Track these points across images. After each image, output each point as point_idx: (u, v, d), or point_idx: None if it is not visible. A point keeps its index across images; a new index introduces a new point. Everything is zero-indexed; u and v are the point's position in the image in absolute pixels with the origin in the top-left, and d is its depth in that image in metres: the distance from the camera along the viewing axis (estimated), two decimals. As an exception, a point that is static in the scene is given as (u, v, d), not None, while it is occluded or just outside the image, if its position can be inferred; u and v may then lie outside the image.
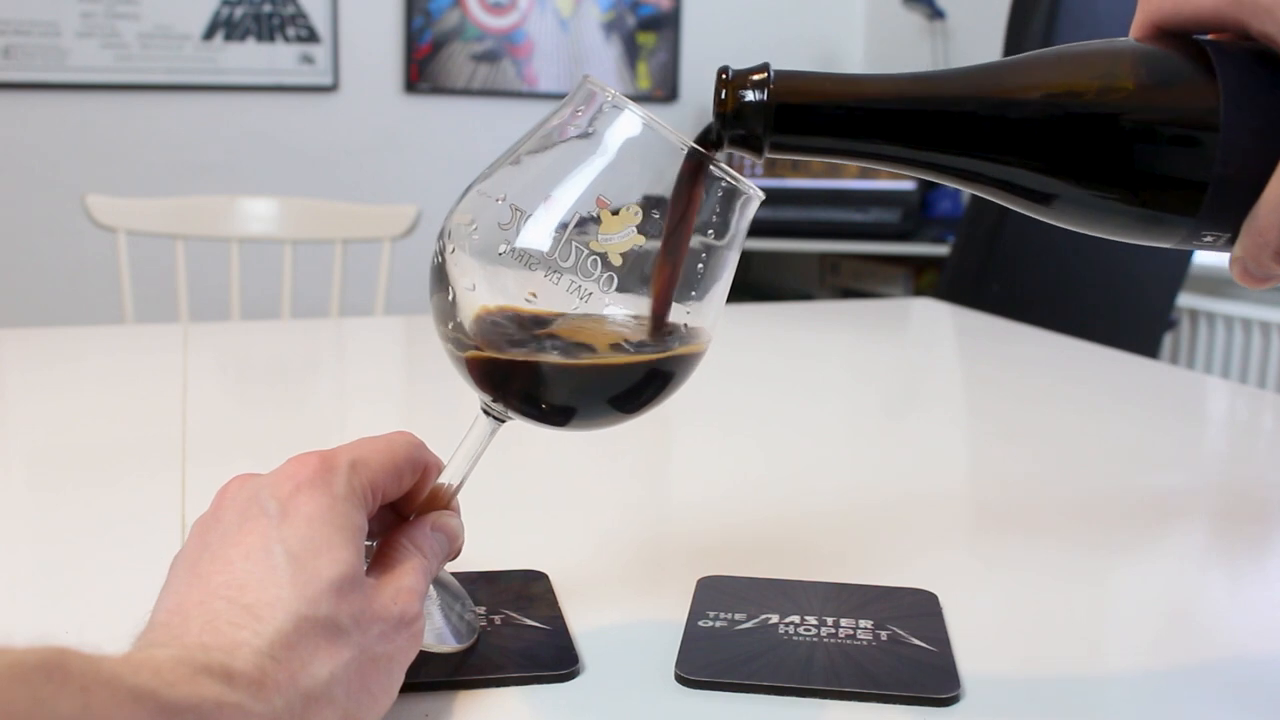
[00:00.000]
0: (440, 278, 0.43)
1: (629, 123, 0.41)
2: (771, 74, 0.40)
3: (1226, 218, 0.39)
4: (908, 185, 2.80)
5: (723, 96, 0.40)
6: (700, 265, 0.42)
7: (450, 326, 0.43)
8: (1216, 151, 0.38)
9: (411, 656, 0.39)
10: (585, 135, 0.42)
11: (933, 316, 1.34)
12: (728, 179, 0.41)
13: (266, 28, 2.76)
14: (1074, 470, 0.74)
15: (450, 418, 0.82)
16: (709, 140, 0.41)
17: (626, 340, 0.42)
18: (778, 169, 2.90)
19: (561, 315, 0.41)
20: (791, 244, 2.71)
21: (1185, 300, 2.44)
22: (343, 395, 0.99)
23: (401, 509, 0.45)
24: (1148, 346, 1.97)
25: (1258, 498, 0.70)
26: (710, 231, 0.42)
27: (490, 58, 3.00)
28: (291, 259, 1.70)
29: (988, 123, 0.40)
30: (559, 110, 0.43)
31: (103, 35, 2.64)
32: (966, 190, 0.42)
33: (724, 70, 0.41)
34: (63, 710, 0.28)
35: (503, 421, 0.45)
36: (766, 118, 0.40)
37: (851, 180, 2.83)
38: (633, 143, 0.41)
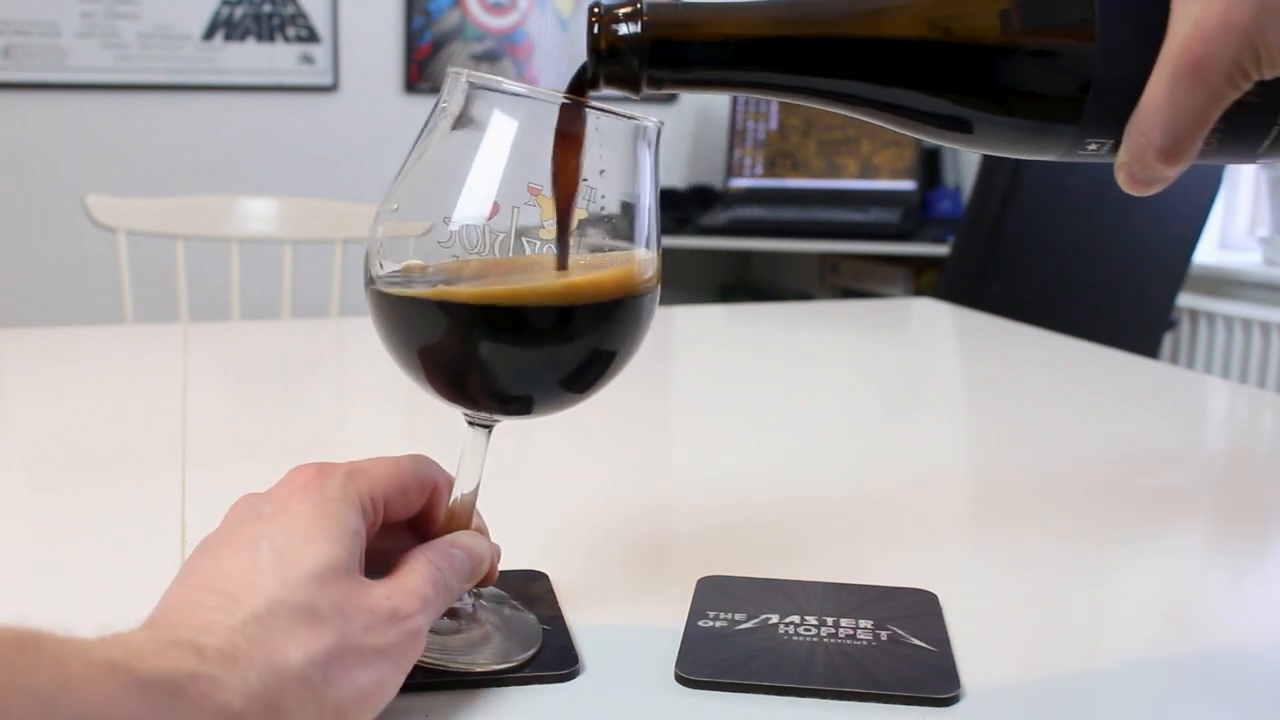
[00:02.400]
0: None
1: (507, 100, 0.41)
2: (644, 5, 0.39)
3: (1108, 124, 0.38)
4: (908, 185, 2.79)
5: (595, 33, 0.39)
6: (618, 207, 0.42)
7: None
8: (1095, 58, 0.37)
9: (409, 655, 0.39)
10: (476, 126, 0.41)
11: (933, 316, 1.34)
12: (614, 116, 0.41)
13: (266, 28, 2.76)
14: (1074, 470, 0.74)
15: (451, 418, 0.81)
16: (584, 80, 0.40)
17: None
18: (777, 169, 2.90)
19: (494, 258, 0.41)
20: (791, 244, 2.71)
21: (1185, 300, 2.44)
22: (343, 395, 0.99)
23: (421, 530, 0.45)
24: (1148, 346, 1.97)
25: (1258, 498, 0.70)
26: (603, 172, 0.41)
27: (490, 58, 3.00)
28: (291, 259, 1.70)
29: (864, 46, 0.39)
30: (436, 111, 0.42)
31: (103, 35, 2.64)
32: (850, 115, 0.41)
33: (595, 6, 0.40)
34: (39, 683, 0.28)
35: (489, 427, 0.45)
36: (641, 53, 0.39)
37: (851, 180, 2.83)
38: (520, 117, 0.41)
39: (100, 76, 2.64)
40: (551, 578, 0.52)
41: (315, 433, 0.83)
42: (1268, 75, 0.35)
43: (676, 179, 3.20)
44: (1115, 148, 0.39)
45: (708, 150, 3.22)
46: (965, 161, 2.98)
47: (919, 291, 2.65)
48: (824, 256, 2.99)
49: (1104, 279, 1.85)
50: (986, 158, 1.68)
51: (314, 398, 0.97)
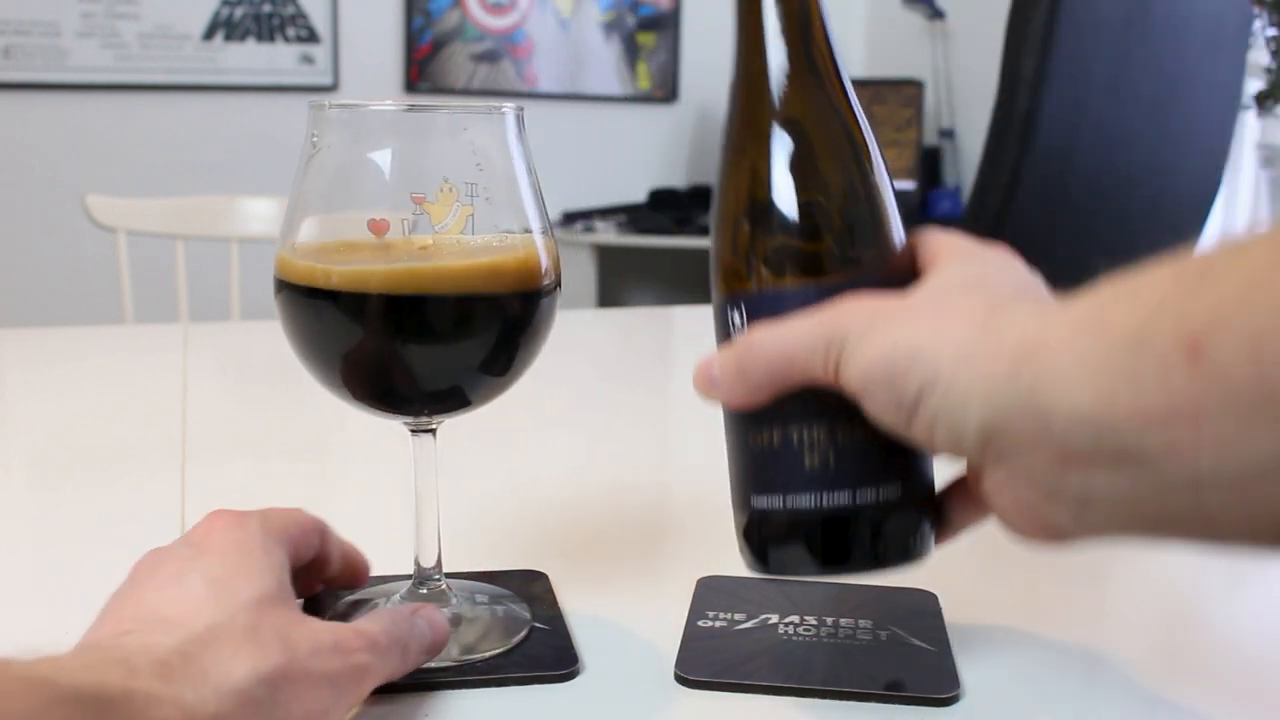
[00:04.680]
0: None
1: (372, 117, 0.43)
2: None
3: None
4: (908, 185, 2.80)
5: None
6: (499, 196, 0.43)
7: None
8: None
9: (353, 690, 0.37)
10: (349, 152, 0.43)
11: (933, 316, 1.34)
12: (472, 112, 0.42)
13: (266, 28, 2.76)
14: (1074, 470, 0.74)
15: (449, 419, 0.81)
16: None
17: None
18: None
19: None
20: (791, 244, 2.71)
21: (1185, 300, 2.44)
22: (343, 395, 0.99)
23: (319, 573, 0.46)
24: (1148, 346, 1.97)
25: (1258, 498, 0.70)
26: (482, 166, 0.42)
27: (490, 58, 3.00)
28: (291, 259, 1.70)
29: None
30: (307, 146, 0.44)
31: (103, 35, 2.64)
32: None
33: None
34: None
35: (432, 431, 0.46)
36: None
37: (851, 180, 2.83)
38: (389, 132, 0.42)
39: (100, 76, 2.65)
40: (551, 578, 0.52)
41: (315, 433, 0.83)
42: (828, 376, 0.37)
43: (676, 179, 3.20)
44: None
45: (708, 150, 3.22)
46: (965, 161, 2.98)
47: (919, 291, 2.65)
48: (824, 256, 2.98)
49: (1104, 279, 1.85)
50: (988, 157, 1.68)
51: (314, 398, 0.96)
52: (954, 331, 0.33)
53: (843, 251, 0.40)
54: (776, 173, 0.40)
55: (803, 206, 0.40)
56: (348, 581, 0.47)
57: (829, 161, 0.40)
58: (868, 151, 0.41)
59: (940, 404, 0.33)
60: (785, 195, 0.40)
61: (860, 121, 0.41)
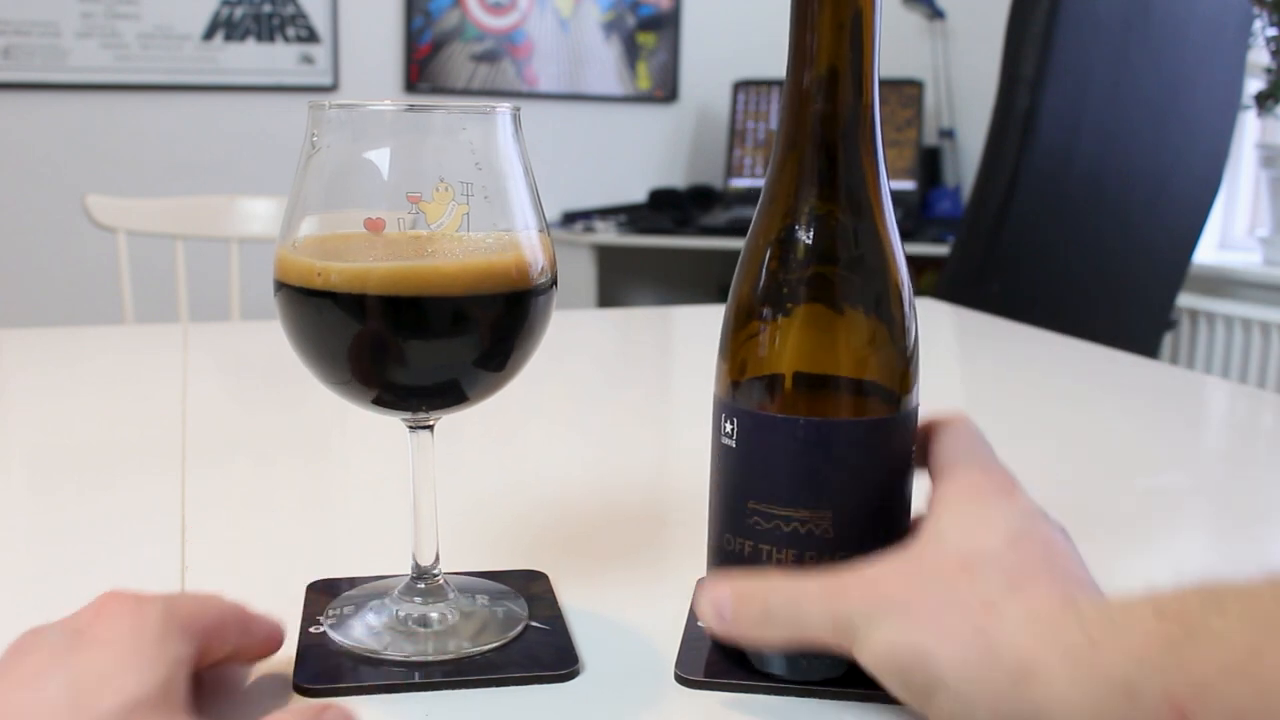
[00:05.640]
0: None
1: (370, 117, 0.43)
2: None
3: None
4: (908, 185, 2.80)
5: None
6: (495, 195, 0.43)
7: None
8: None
9: None
10: (347, 152, 0.43)
11: (933, 316, 1.34)
12: (470, 112, 0.43)
13: (266, 28, 2.76)
14: (1074, 470, 0.74)
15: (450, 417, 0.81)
16: None
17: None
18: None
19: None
20: (791, 244, 2.71)
21: (1185, 300, 2.44)
22: (343, 395, 0.99)
23: (234, 660, 0.41)
24: (1148, 346, 1.97)
25: (1258, 498, 0.70)
26: (479, 165, 0.43)
27: (490, 58, 3.00)
28: (291, 259, 1.70)
29: None
30: (307, 144, 0.44)
31: (103, 35, 2.64)
32: None
33: None
34: None
35: (430, 427, 0.46)
36: None
37: (851, 180, 2.83)
38: (386, 132, 0.43)
39: (100, 76, 2.64)
40: (551, 578, 0.52)
41: (315, 433, 0.83)
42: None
43: (677, 179, 3.20)
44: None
45: (708, 150, 3.22)
46: (965, 161, 2.98)
47: (919, 291, 2.65)
48: (824, 256, 2.98)
49: (1104, 279, 1.85)
50: (988, 156, 1.68)
51: (314, 397, 0.96)
52: (954, 631, 0.36)
53: (847, 391, 0.42)
54: (789, 320, 0.42)
55: (807, 348, 0.42)
56: (263, 656, 0.42)
57: (849, 313, 0.42)
58: (900, 302, 0.43)
59: (950, 705, 0.35)
60: (793, 337, 0.42)
61: (898, 263, 0.43)
